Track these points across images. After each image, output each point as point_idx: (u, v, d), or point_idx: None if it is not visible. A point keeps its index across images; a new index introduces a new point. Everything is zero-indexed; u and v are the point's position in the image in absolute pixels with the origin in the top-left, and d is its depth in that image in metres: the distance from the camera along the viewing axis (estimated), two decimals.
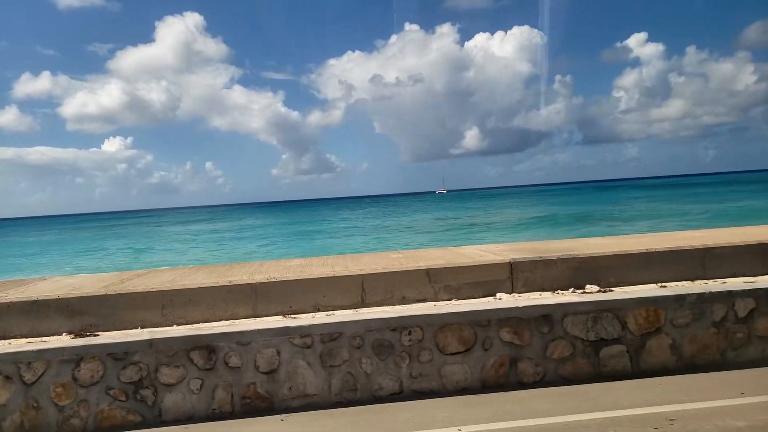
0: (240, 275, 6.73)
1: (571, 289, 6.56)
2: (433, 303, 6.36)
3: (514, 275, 6.64)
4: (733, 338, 5.98)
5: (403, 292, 6.46)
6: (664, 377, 5.71)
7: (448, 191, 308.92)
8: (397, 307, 6.30)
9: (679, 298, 5.90)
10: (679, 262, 6.85)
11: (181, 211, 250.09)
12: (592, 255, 6.76)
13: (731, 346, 5.98)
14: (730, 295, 5.98)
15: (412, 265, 6.65)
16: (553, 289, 6.62)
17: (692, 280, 6.79)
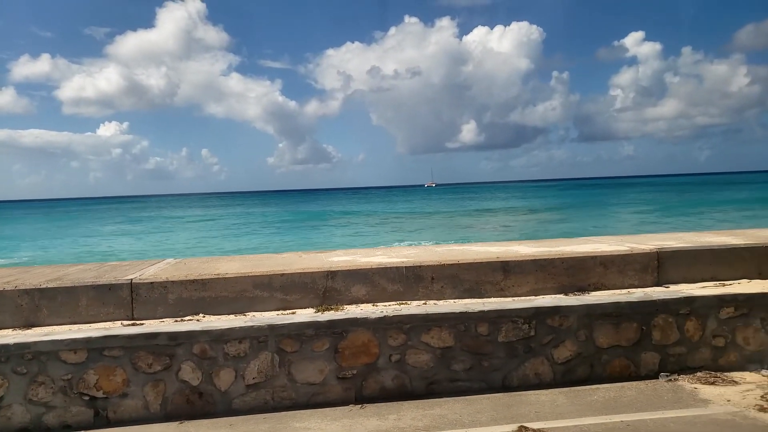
0: None
1: None
2: None
3: None
4: None
5: None
6: None
7: (437, 185, 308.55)
8: None
9: None
10: None
11: (171, 198, 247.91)
12: None
13: None
14: None
15: None
16: None
17: None
